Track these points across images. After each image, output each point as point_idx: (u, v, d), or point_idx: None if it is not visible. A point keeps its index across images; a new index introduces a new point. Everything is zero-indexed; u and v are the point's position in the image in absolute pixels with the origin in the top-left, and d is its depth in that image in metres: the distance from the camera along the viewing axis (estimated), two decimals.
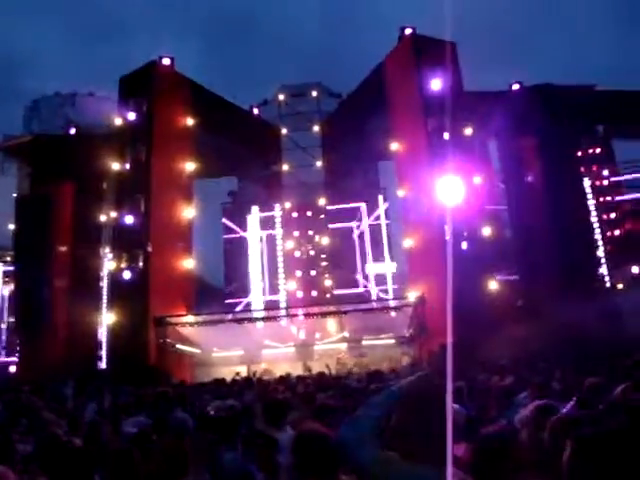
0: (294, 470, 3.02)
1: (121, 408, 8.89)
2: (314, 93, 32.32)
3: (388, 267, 29.74)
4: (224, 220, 31.91)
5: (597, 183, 28.56)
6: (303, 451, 3.05)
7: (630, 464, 1.86)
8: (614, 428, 2.00)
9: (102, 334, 25.81)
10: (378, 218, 30.50)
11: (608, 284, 25.73)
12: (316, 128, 31.32)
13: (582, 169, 27.48)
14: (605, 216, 28.17)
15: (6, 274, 32.69)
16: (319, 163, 30.69)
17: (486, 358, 15.21)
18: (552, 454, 2.83)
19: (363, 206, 30.65)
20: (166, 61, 25.62)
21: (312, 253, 30.27)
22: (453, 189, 20.71)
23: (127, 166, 23.95)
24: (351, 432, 2.55)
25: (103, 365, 25.52)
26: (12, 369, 27.70)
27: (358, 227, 31.01)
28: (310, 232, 30.31)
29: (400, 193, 25.23)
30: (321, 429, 3.24)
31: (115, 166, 24.30)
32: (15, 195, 29.27)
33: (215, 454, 4.62)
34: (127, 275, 22.53)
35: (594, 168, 28.87)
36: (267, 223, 30.44)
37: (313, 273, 29.79)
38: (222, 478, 4.28)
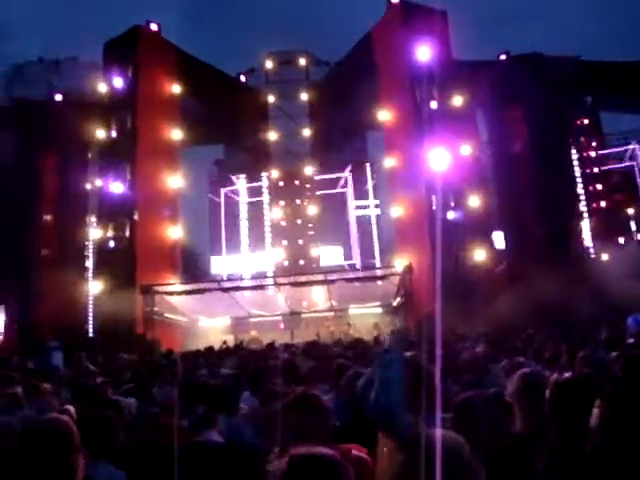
0: None
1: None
2: (302, 61, 31.91)
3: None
4: (210, 190, 31.76)
5: (584, 154, 28.65)
6: None
7: None
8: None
9: (89, 303, 25.73)
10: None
11: (593, 255, 25.99)
12: (304, 96, 31.01)
13: (569, 140, 27.56)
14: (591, 188, 28.32)
15: None
16: (306, 131, 30.47)
17: (469, 327, 15.40)
18: (557, 416, 2.90)
19: (347, 174, 30.44)
20: (153, 26, 25.21)
21: (299, 222, 30.24)
22: (440, 159, 20.86)
23: (113, 133, 23.69)
24: (387, 398, 2.53)
25: (91, 334, 25.50)
26: None
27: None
28: (297, 201, 30.23)
29: (388, 163, 25.20)
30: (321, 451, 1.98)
31: (100, 133, 24.00)
32: None
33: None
34: (113, 244, 22.46)
35: (581, 139, 28.91)
36: (254, 192, 30.35)
37: (300, 242, 29.80)
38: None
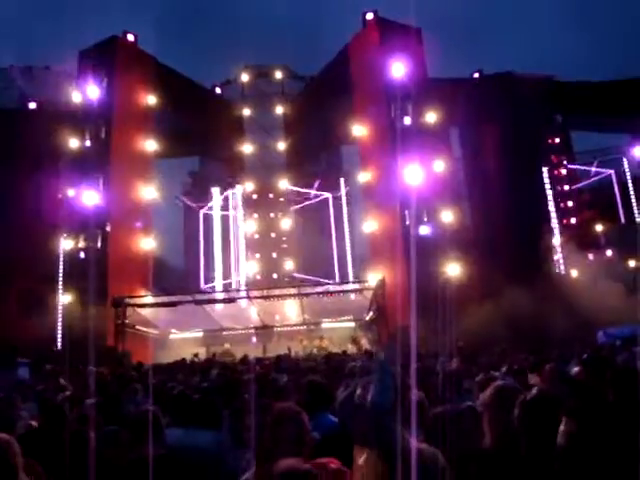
0: None
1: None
2: (278, 74, 32.01)
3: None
4: (184, 200, 31.49)
5: (555, 172, 29.15)
6: None
7: (622, 432, 2.00)
8: (608, 401, 2.15)
9: (58, 314, 25.26)
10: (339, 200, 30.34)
11: (563, 271, 26.36)
12: (279, 110, 31.09)
13: (541, 158, 28.02)
14: (562, 205, 28.82)
15: None
16: (281, 145, 30.50)
17: (441, 342, 15.44)
18: (526, 434, 2.92)
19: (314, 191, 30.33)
20: (130, 37, 25.13)
21: (273, 235, 30.18)
22: (414, 175, 21.02)
23: (86, 143, 23.44)
24: (385, 399, 2.53)
25: (59, 346, 25.03)
26: None
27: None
28: (271, 214, 30.18)
29: (362, 177, 25.33)
30: (302, 466, 2.60)
31: (73, 143, 23.70)
32: None
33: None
34: (84, 255, 22.15)
35: (552, 157, 29.42)
36: (228, 204, 30.18)
37: (274, 255, 29.73)
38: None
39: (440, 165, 22.22)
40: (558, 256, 26.80)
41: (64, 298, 23.16)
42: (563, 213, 28.60)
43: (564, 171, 29.60)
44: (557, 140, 29.69)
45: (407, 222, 21.35)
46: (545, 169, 28.33)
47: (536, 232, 24.58)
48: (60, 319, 24.67)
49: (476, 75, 27.42)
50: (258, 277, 29.19)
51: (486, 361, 9.32)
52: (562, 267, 26.56)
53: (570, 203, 29.20)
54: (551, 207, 28.08)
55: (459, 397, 5.81)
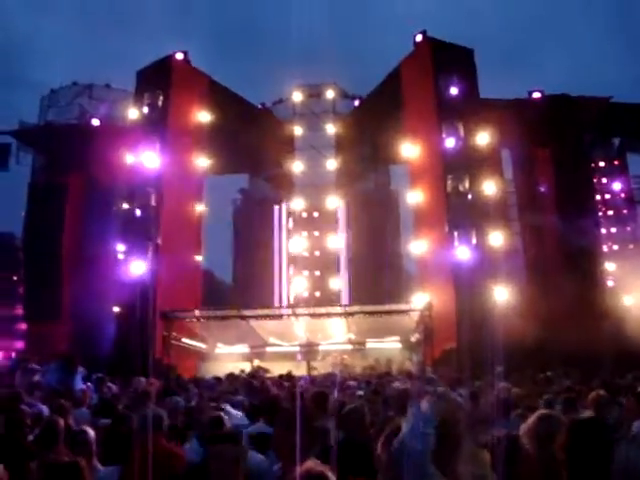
0: None
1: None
2: (329, 94, 32.24)
3: None
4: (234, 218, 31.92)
5: (608, 197, 28.40)
6: None
7: None
8: None
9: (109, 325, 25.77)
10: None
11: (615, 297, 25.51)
12: (330, 129, 31.26)
13: (594, 181, 27.30)
14: (618, 229, 28.03)
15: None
16: (331, 163, 30.63)
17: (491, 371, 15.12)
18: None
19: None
20: (184, 55, 25.76)
21: (317, 254, 30.18)
22: (464, 196, 20.64)
23: (140, 159, 24.01)
24: (419, 445, 2.53)
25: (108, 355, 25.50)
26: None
27: None
28: (316, 232, 30.20)
29: (411, 197, 25.18)
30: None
31: (129, 158, 24.32)
32: (29, 183, 29.26)
33: None
34: (135, 267, 22.58)
35: (605, 180, 28.70)
36: (276, 222, 30.43)
37: (317, 273, 29.73)
38: None
39: (491, 187, 21.91)
40: (610, 282, 25.97)
41: (115, 309, 23.55)
42: (619, 237, 27.79)
43: (622, 195, 28.82)
44: (615, 163, 28.95)
45: (456, 243, 21.11)
46: (599, 193, 27.62)
47: (590, 256, 23.91)
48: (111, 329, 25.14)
49: (531, 96, 26.99)
50: (305, 294, 29.24)
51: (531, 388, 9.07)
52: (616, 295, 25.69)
53: (628, 228, 28.38)
54: (605, 231, 27.30)
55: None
